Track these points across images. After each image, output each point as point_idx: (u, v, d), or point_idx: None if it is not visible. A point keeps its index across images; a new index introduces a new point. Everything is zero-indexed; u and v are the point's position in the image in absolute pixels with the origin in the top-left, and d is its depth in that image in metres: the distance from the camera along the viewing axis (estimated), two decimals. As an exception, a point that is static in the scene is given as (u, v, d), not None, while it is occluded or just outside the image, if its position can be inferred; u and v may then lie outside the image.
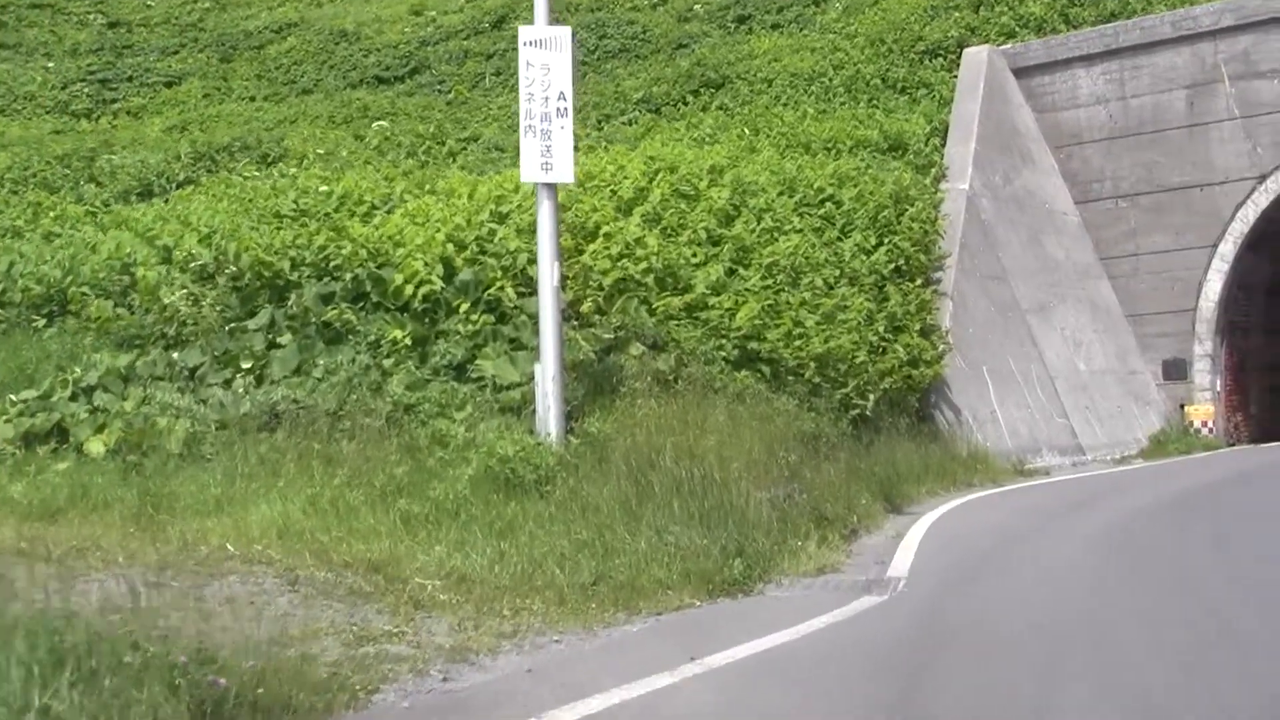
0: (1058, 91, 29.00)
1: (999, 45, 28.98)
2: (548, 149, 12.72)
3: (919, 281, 21.98)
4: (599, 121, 29.74)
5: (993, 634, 8.35)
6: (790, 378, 16.81)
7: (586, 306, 15.16)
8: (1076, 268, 27.51)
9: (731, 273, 18.20)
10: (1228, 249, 26.90)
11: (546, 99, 12.78)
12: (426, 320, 15.40)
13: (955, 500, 16.55)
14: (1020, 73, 29.04)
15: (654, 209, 18.78)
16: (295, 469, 11.92)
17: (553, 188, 12.95)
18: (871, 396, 17.60)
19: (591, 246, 16.43)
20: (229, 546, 9.78)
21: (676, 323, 15.91)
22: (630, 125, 29.05)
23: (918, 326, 20.57)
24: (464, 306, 15.13)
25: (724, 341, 16.31)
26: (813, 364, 17.09)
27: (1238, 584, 10.00)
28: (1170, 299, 27.51)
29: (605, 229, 16.81)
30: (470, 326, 14.94)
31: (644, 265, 16.27)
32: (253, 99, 35.93)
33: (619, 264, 16.02)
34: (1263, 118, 26.60)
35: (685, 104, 30.10)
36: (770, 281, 18.29)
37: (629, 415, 12.96)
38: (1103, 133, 28.46)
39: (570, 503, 10.93)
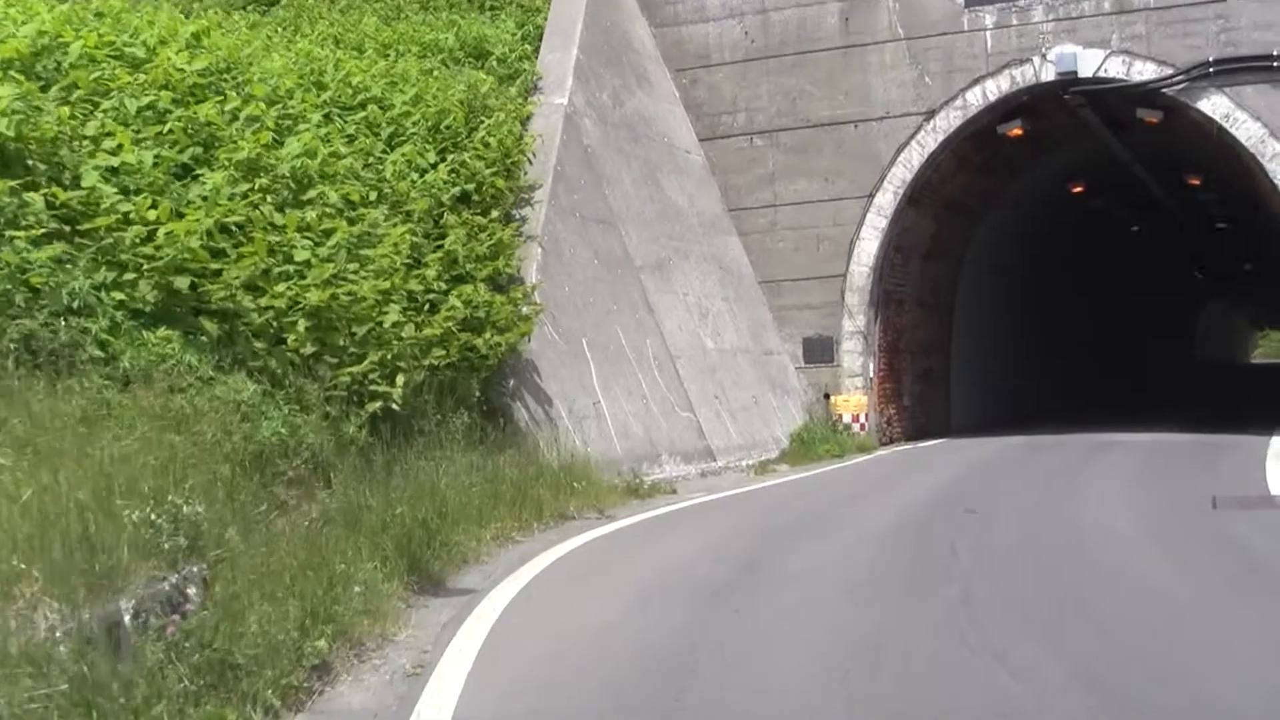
0: (682, 1, 22.84)
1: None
2: None
3: (495, 215, 15.21)
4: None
5: None
6: (260, 344, 9.63)
7: None
8: (702, 219, 21.42)
9: (187, 174, 10.91)
10: (886, 201, 21.40)
11: None
12: None
13: (541, 556, 9.77)
14: (635, -24, 22.74)
15: (59, 65, 11.25)
16: None
17: None
18: (403, 378, 10.54)
19: None
20: None
21: (18, 235, 8.42)
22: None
23: (486, 274, 13.79)
24: None
25: (135, 275, 8.99)
26: (304, 323, 9.96)
27: None
28: (815, 262, 21.80)
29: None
30: None
31: (-32, 130, 8.70)
32: None
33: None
34: (932, 40, 21.21)
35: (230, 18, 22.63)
36: (249, 189, 11.04)
37: None
38: (737, 54, 22.47)
39: None
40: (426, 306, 12.26)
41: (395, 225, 12.82)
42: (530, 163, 17.00)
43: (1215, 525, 10.96)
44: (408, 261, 12.61)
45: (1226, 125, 19.45)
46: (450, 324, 11.87)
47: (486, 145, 16.03)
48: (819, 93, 21.88)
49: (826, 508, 12.89)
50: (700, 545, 10.29)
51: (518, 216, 16.33)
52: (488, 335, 12.77)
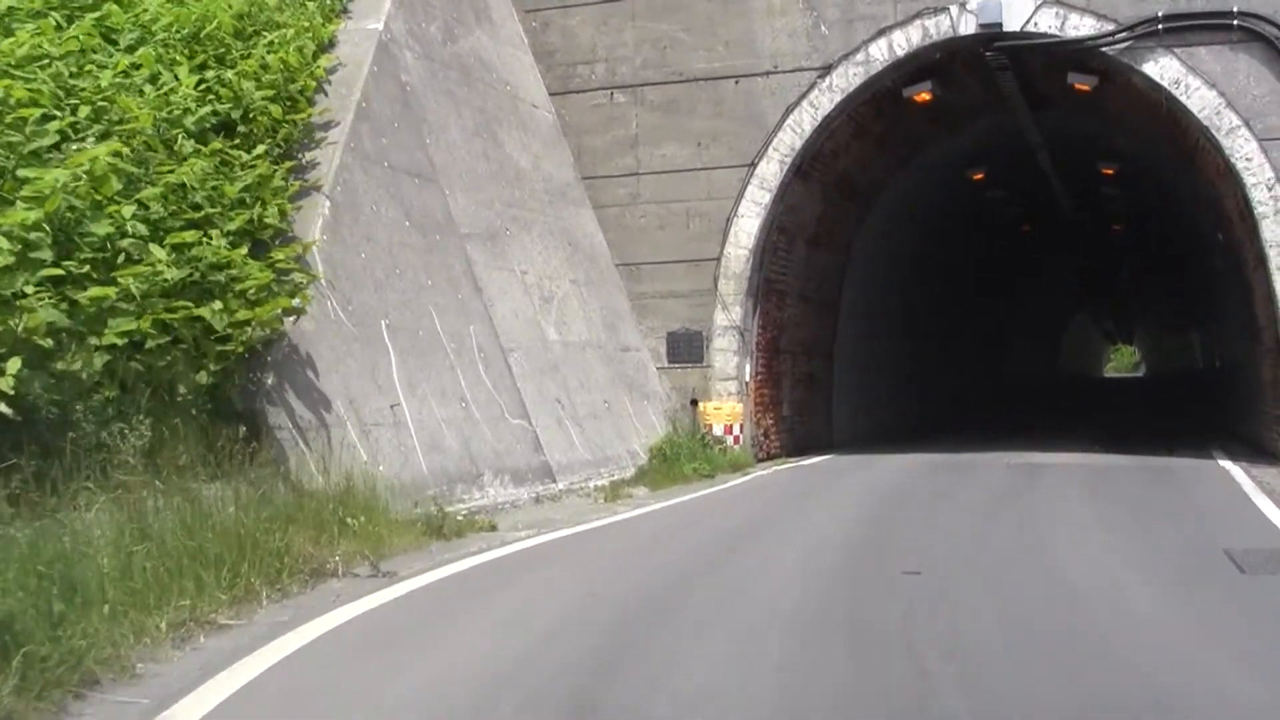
0: (533, -71, 19.07)
1: None
2: None
3: (263, 150, 11.28)
4: None
5: None
6: None
7: None
8: (549, 185, 17.65)
9: None
10: (771, 171, 17.86)
11: None
12: None
13: (233, 669, 5.81)
14: (479, -103, 18.83)
15: None
16: None
17: None
18: (19, 362, 6.56)
19: None
20: None
21: None
22: None
23: (237, 224, 9.87)
24: None
25: None
26: None
27: None
28: (684, 242, 18.18)
29: None
30: None
31: None
32: None
33: None
34: (830, -19, 17.75)
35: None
36: None
37: None
38: (597, -8, 18.79)
39: None
40: (128, 256, 8.32)
41: (94, 149, 8.87)
42: (324, 93, 13.16)
43: (1261, 597, 7.60)
44: (113, 198, 8.69)
45: (1176, 93, 16.28)
46: (140, 283, 7.92)
47: (264, 66, 12.17)
48: (694, 41, 18.28)
49: (702, 563, 9.17)
50: (507, 650, 6.46)
51: (303, 160, 12.46)
52: (223, 305, 8.84)
